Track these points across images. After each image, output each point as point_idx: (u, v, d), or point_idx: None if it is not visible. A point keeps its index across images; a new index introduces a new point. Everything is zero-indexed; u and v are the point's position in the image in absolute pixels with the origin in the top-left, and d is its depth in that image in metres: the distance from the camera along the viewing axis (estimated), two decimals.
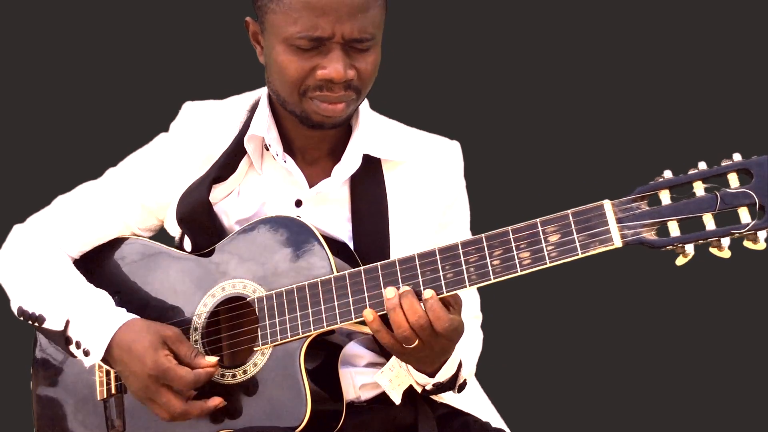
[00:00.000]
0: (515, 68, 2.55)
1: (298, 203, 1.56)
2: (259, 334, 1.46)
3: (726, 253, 1.21)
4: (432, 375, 1.43)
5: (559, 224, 1.27)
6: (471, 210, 1.68)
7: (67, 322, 1.50)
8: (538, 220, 1.29)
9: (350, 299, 1.39)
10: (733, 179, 1.21)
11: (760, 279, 2.36)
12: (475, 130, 2.41)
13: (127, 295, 1.58)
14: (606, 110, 2.51)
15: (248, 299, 1.49)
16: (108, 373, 1.60)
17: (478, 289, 1.44)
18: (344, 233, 1.54)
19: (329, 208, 1.56)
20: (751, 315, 2.45)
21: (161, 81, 2.51)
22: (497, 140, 2.51)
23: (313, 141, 1.56)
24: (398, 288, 1.34)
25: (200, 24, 2.53)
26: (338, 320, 1.40)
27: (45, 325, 1.53)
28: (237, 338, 1.50)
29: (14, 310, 1.59)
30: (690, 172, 1.23)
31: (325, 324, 1.41)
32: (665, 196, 1.23)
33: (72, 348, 1.51)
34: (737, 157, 1.21)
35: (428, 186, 1.59)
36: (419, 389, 1.49)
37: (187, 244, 1.60)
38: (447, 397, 1.60)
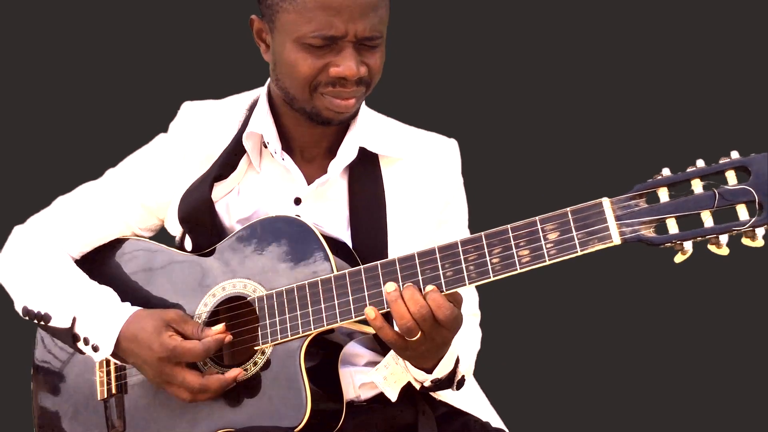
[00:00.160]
0: (513, 67, 2.56)
1: (297, 201, 1.57)
2: (260, 333, 1.46)
3: (724, 251, 1.22)
4: (430, 371, 1.43)
5: (558, 222, 1.27)
6: (470, 208, 1.68)
7: (74, 320, 1.51)
8: (537, 218, 1.29)
9: (350, 298, 1.39)
10: (731, 177, 1.21)
11: (758, 276, 2.36)
12: (474, 129, 2.41)
13: (128, 295, 1.57)
14: (604, 108, 2.51)
15: (248, 299, 1.49)
16: (108, 373, 1.60)
17: (477, 287, 1.44)
18: (343, 230, 1.55)
19: (328, 206, 1.56)
20: (749, 312, 2.45)
21: (160, 81, 2.51)
22: (496, 139, 2.52)
23: (312, 139, 1.57)
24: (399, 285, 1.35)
25: (199, 24, 2.54)
26: (338, 319, 1.40)
27: (51, 324, 1.53)
28: (237, 337, 1.50)
29: (18, 310, 1.60)
30: (688, 170, 1.23)
31: (325, 323, 1.41)
32: (664, 194, 1.24)
33: (80, 345, 1.51)
34: (735, 154, 1.22)
35: (426, 183, 1.60)
36: (417, 386, 1.49)
37: (188, 243, 1.61)
38: (447, 397, 1.60)
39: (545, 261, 1.27)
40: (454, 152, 1.65)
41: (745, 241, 1.21)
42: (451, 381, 1.48)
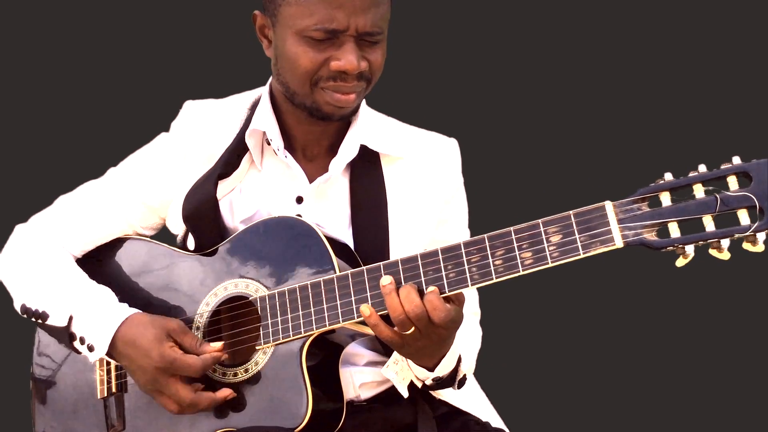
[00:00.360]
0: (517, 68, 2.56)
1: (299, 199, 1.57)
2: (261, 333, 1.46)
3: (725, 255, 1.22)
4: (432, 369, 1.44)
5: (561, 225, 1.28)
6: (471, 209, 1.69)
7: (71, 318, 1.51)
8: (540, 220, 1.29)
9: (353, 298, 1.39)
10: (733, 182, 1.22)
11: (758, 281, 2.37)
12: (478, 131, 2.42)
13: (130, 294, 1.58)
14: (608, 112, 2.52)
15: (250, 298, 1.49)
16: (108, 371, 1.60)
17: (479, 288, 1.45)
18: (344, 228, 1.55)
19: (329, 204, 1.57)
20: (750, 316, 2.46)
21: (162, 80, 2.51)
22: (500, 141, 2.52)
23: (314, 137, 1.57)
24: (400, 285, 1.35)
25: (200, 24, 2.54)
26: (340, 320, 1.40)
27: (48, 322, 1.53)
28: (239, 337, 1.51)
29: (17, 308, 1.60)
30: (690, 175, 1.24)
31: (327, 323, 1.41)
32: (666, 198, 1.24)
33: (76, 344, 1.51)
34: (737, 160, 1.22)
35: (426, 182, 1.61)
36: (419, 384, 1.50)
37: (190, 243, 1.61)
38: (447, 396, 1.61)
39: (548, 263, 1.28)
40: (455, 152, 1.66)
41: (746, 245, 1.21)
42: (453, 380, 1.49)
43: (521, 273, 1.30)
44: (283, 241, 1.48)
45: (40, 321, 1.55)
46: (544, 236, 1.28)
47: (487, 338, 1.72)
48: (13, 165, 2.54)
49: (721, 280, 2.37)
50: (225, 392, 1.44)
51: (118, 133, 2.38)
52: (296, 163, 1.56)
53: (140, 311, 1.51)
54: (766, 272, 2.29)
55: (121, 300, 1.55)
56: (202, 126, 1.60)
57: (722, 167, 1.23)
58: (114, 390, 1.59)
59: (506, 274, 1.30)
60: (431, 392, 1.57)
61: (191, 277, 1.55)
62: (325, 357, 1.48)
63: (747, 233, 1.20)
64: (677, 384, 2.49)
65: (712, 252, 1.23)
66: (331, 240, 1.47)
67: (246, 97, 1.64)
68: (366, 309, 1.35)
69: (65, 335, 1.51)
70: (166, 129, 1.65)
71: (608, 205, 1.26)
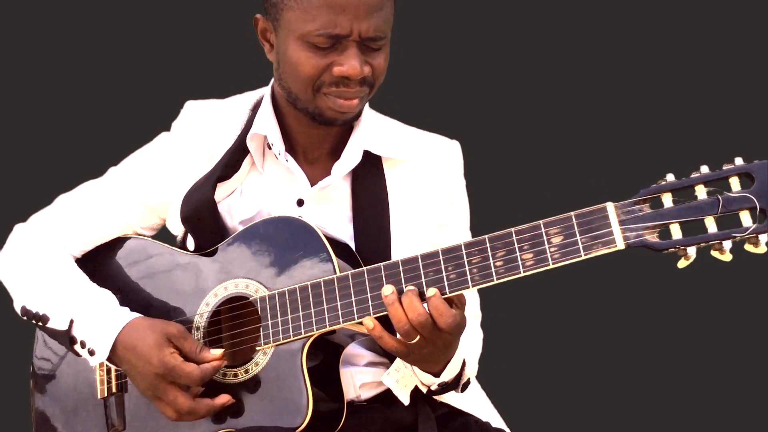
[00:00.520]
0: (519, 70, 2.55)
1: (300, 202, 1.56)
2: (261, 333, 1.46)
3: (727, 256, 1.22)
4: (437, 375, 1.44)
5: (562, 226, 1.27)
6: (474, 211, 1.69)
7: (71, 322, 1.50)
8: (541, 221, 1.29)
9: (353, 299, 1.39)
10: (735, 183, 1.21)
11: (760, 282, 2.37)
12: (480, 132, 2.42)
13: (129, 295, 1.58)
14: (609, 113, 2.51)
15: (251, 299, 1.49)
16: (109, 371, 1.60)
17: (479, 289, 1.45)
18: (346, 231, 1.55)
19: (331, 207, 1.56)
20: (752, 317, 2.45)
21: (163, 80, 2.51)
22: (501, 142, 2.51)
23: (316, 140, 1.57)
24: (401, 288, 1.35)
25: (202, 23, 2.53)
26: (341, 320, 1.40)
27: (49, 325, 1.53)
28: (239, 338, 1.51)
29: (17, 309, 1.59)
30: (692, 176, 1.23)
31: (327, 324, 1.41)
32: (667, 199, 1.24)
33: (77, 347, 1.51)
34: (739, 161, 1.22)
35: (428, 185, 1.60)
36: (424, 389, 1.49)
37: (190, 243, 1.60)
38: (447, 397, 1.61)
39: (549, 265, 1.28)
40: (457, 154, 1.65)
41: (748, 247, 1.21)
42: (457, 383, 1.49)
43: (522, 274, 1.29)
44: (283, 241, 1.48)
45: (40, 323, 1.54)
46: (545, 237, 1.28)
47: (489, 339, 1.72)
48: (13, 163, 2.54)
49: (722, 281, 2.37)
50: (223, 399, 1.44)
51: (119, 132, 2.38)
52: (297, 166, 1.56)
53: (141, 315, 1.50)
54: None
55: (120, 300, 1.55)
56: (204, 126, 1.60)
57: (724, 168, 1.22)
58: (114, 390, 1.59)
59: (507, 275, 1.30)
60: (434, 396, 1.57)
61: (191, 277, 1.55)
62: (326, 357, 1.48)
63: (749, 235, 1.19)
64: (678, 385, 2.49)
65: (714, 253, 1.23)
66: (331, 240, 1.47)
67: (247, 98, 1.63)
68: (369, 322, 1.35)
69: (66, 339, 1.51)
70: (167, 129, 1.65)
71: (610, 207, 1.26)
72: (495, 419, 1.66)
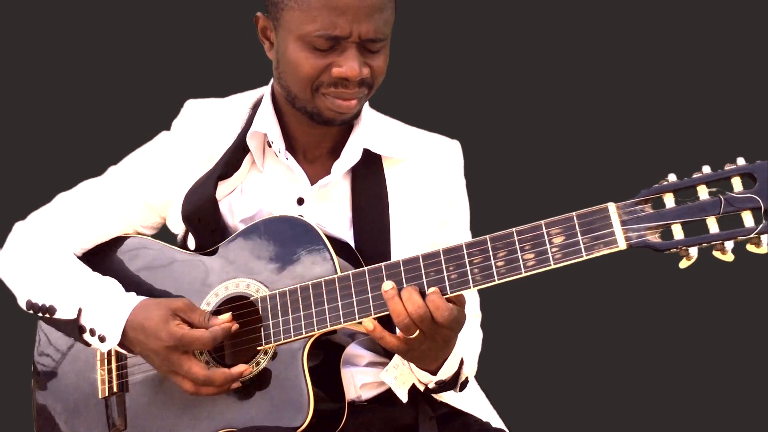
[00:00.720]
0: (519, 70, 2.56)
1: (300, 201, 1.57)
2: (263, 333, 1.46)
3: (729, 257, 1.22)
4: (434, 372, 1.44)
5: (564, 226, 1.27)
6: (475, 212, 1.69)
7: (80, 311, 1.50)
8: (542, 221, 1.29)
9: (354, 299, 1.39)
10: (737, 183, 1.21)
11: (762, 283, 2.37)
12: (480, 132, 2.42)
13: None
14: (611, 113, 2.51)
15: (251, 298, 1.49)
16: (110, 371, 1.60)
17: (480, 290, 1.44)
18: (346, 230, 1.55)
19: (331, 206, 1.56)
20: (753, 318, 2.46)
21: (163, 79, 2.51)
22: (501, 142, 2.52)
23: (315, 139, 1.57)
24: (401, 287, 1.35)
25: (202, 22, 2.54)
26: (342, 320, 1.40)
27: (56, 316, 1.53)
28: (240, 337, 1.50)
29: (22, 304, 1.59)
30: (694, 176, 1.23)
31: (328, 324, 1.41)
32: (669, 200, 1.24)
33: (86, 336, 1.50)
34: (741, 161, 1.22)
35: (429, 184, 1.60)
36: (422, 388, 1.49)
37: (190, 242, 1.60)
38: (447, 397, 1.61)
39: (550, 265, 1.28)
40: (457, 153, 1.66)
41: (750, 247, 1.21)
42: (455, 382, 1.49)
43: (523, 274, 1.29)
44: (284, 241, 1.48)
45: (47, 315, 1.54)
46: (546, 238, 1.28)
47: (489, 339, 1.72)
48: (13, 162, 2.54)
49: (724, 282, 2.37)
50: (240, 368, 1.43)
51: (119, 131, 2.38)
52: (297, 164, 1.56)
53: (147, 297, 1.50)
54: None
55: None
56: (204, 125, 1.60)
57: (726, 168, 1.22)
58: (115, 389, 1.59)
59: (508, 276, 1.30)
60: (432, 395, 1.57)
61: (192, 277, 1.55)
62: (326, 357, 1.48)
63: (751, 235, 1.19)
64: (679, 385, 2.49)
65: (716, 254, 1.22)
66: (332, 239, 1.47)
67: (248, 97, 1.63)
68: (369, 324, 1.35)
69: (74, 328, 1.51)
70: (168, 127, 1.65)
71: (611, 207, 1.26)
72: (494, 419, 1.66)
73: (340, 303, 1.40)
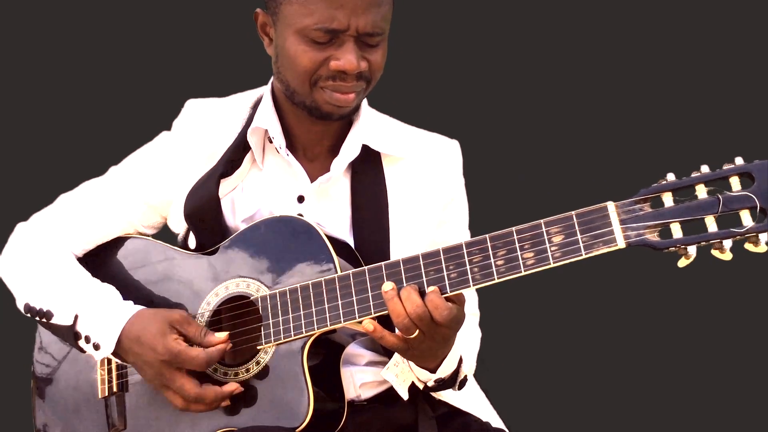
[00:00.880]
0: (519, 69, 2.56)
1: (300, 199, 1.57)
2: (263, 332, 1.46)
3: (727, 255, 1.22)
4: (433, 371, 1.44)
5: (563, 225, 1.28)
6: (474, 211, 1.69)
7: (76, 317, 1.50)
8: (542, 220, 1.29)
9: (354, 299, 1.39)
10: (735, 182, 1.22)
11: (760, 281, 2.37)
12: (480, 132, 2.42)
13: (131, 294, 1.57)
14: (610, 112, 2.52)
15: (252, 298, 1.49)
16: (110, 371, 1.60)
17: (479, 288, 1.45)
18: (345, 228, 1.55)
19: (331, 203, 1.57)
20: (752, 316, 2.46)
21: (163, 79, 2.51)
22: (501, 142, 2.52)
23: (316, 136, 1.57)
24: (401, 287, 1.35)
25: (202, 22, 2.54)
26: (342, 320, 1.40)
27: (53, 321, 1.53)
28: (240, 337, 1.50)
29: (20, 307, 1.59)
30: (692, 175, 1.24)
31: (328, 323, 1.41)
32: (668, 199, 1.24)
33: (81, 343, 1.51)
34: (739, 160, 1.23)
35: (428, 183, 1.61)
36: (421, 386, 1.50)
37: (191, 242, 1.61)
38: (447, 396, 1.61)
39: (549, 264, 1.28)
40: (456, 153, 1.66)
41: (748, 246, 1.21)
42: (454, 381, 1.49)
43: (523, 273, 1.30)
44: (284, 241, 1.48)
45: (44, 320, 1.55)
46: (546, 236, 1.28)
47: (487, 338, 1.72)
48: (14, 163, 2.54)
49: (723, 280, 2.37)
50: (231, 386, 1.44)
51: (120, 131, 2.38)
52: (297, 162, 1.56)
53: (144, 307, 1.51)
54: None
55: (123, 299, 1.55)
56: (204, 125, 1.60)
57: (724, 168, 1.23)
58: (115, 389, 1.59)
59: (508, 275, 1.30)
60: (431, 393, 1.57)
61: (192, 277, 1.55)
62: (326, 357, 1.49)
63: (749, 234, 1.19)
64: (678, 384, 2.49)
65: (714, 253, 1.23)
66: (332, 239, 1.47)
67: (248, 96, 1.64)
68: (369, 324, 1.35)
69: (70, 334, 1.51)
70: (168, 127, 1.65)
71: (610, 206, 1.26)
72: (494, 419, 1.66)
73: (340, 302, 1.40)
